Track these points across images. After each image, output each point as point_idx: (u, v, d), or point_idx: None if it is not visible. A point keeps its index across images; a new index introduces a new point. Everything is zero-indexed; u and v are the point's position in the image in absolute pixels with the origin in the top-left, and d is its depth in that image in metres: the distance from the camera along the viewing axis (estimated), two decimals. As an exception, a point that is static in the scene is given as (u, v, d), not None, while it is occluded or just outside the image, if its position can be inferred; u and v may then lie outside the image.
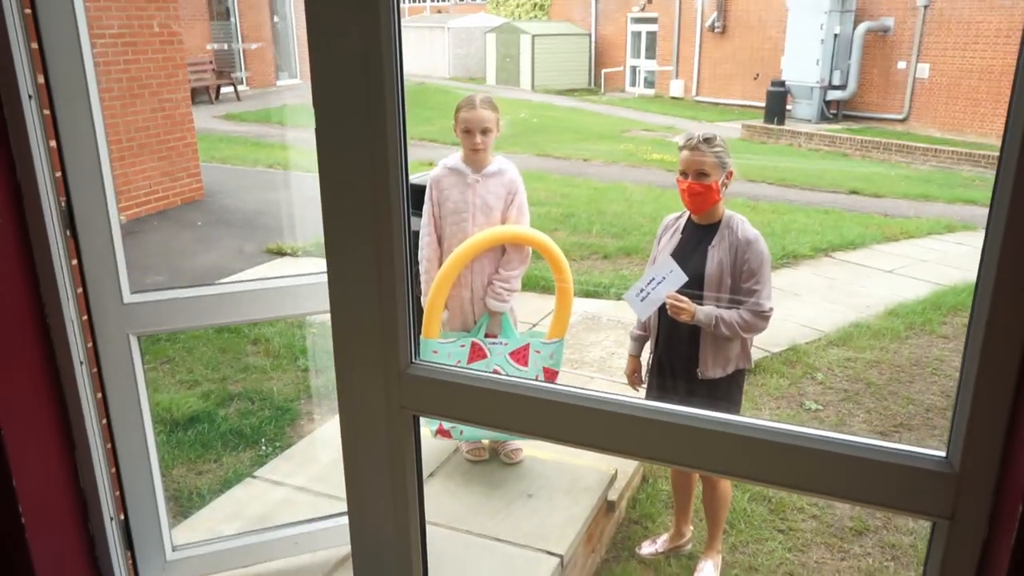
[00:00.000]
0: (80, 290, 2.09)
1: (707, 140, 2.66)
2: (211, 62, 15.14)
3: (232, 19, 15.68)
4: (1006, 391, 1.11)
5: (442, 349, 3.13)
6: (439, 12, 27.60)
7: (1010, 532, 1.08)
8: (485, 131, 3.07)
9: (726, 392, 2.83)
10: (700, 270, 2.70)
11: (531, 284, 5.68)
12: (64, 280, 2.04)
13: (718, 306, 2.70)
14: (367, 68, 1.41)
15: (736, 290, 2.70)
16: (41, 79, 1.93)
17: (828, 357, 4.88)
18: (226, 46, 15.32)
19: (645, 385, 3.03)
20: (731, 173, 2.70)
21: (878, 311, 5.60)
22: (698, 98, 17.59)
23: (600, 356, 4.75)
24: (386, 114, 1.44)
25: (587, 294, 5.83)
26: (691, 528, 3.28)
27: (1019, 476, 1.07)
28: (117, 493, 2.27)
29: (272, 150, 11.15)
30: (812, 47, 14.31)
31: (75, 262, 2.06)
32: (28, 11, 1.88)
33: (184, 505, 3.30)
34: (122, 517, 2.30)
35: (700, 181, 2.67)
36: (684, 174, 2.70)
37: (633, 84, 19.81)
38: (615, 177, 10.33)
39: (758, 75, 15.09)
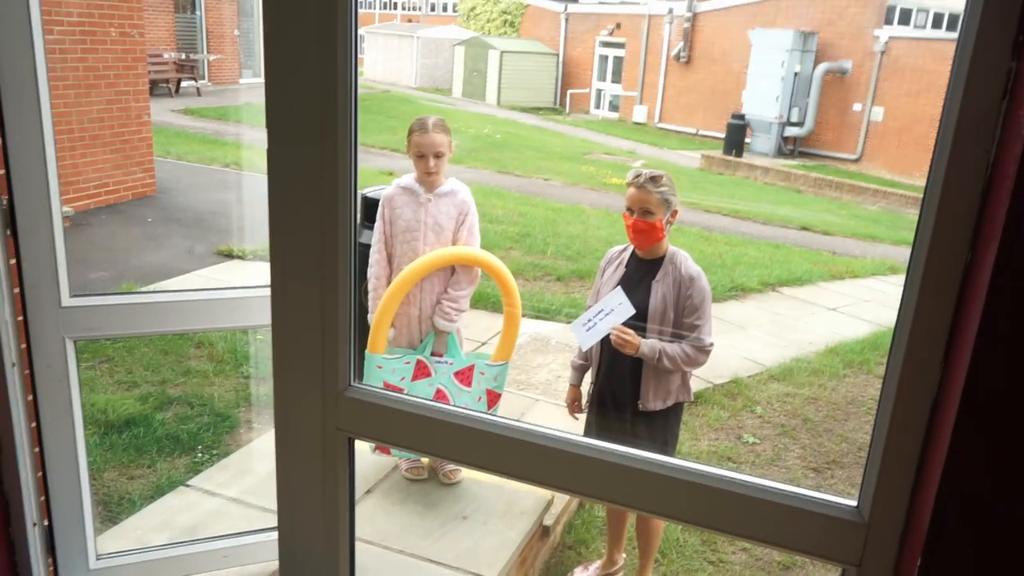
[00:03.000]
0: (17, 290, 2.04)
1: (653, 179, 2.71)
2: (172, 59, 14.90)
3: (198, 12, 15.45)
4: (914, 447, 1.17)
5: (387, 364, 3.13)
6: (410, 21, 27.64)
7: (910, 584, 1.13)
8: (438, 155, 3.10)
9: (664, 424, 2.87)
10: (644, 304, 2.75)
11: (482, 301, 5.70)
12: (1, 280, 2.00)
13: (660, 339, 2.75)
14: (323, 82, 1.42)
15: (678, 324, 2.75)
16: (-11, 74, 1.89)
17: (768, 391, 4.98)
18: (183, 55, 15.04)
19: (585, 414, 3.07)
20: (676, 212, 2.76)
21: (819, 348, 5.74)
22: (660, 125, 17.88)
23: (546, 379, 4.78)
24: (337, 126, 1.45)
25: (538, 316, 5.87)
26: (623, 556, 3.31)
27: (921, 528, 1.13)
28: (42, 498, 2.22)
29: (229, 149, 11.01)
30: (773, 83, 14.68)
31: (13, 262, 2.02)
32: (-20, 6, 1.85)
33: (113, 511, 3.23)
34: (46, 523, 2.25)
35: (645, 219, 2.73)
36: (630, 210, 2.76)
37: (598, 107, 20.06)
38: (574, 199, 10.41)
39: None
